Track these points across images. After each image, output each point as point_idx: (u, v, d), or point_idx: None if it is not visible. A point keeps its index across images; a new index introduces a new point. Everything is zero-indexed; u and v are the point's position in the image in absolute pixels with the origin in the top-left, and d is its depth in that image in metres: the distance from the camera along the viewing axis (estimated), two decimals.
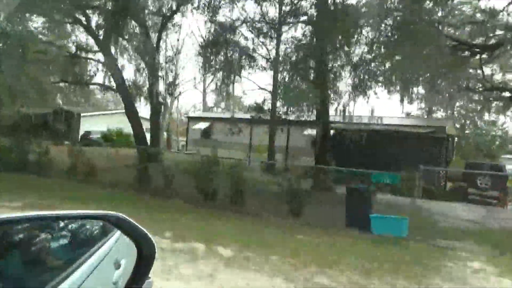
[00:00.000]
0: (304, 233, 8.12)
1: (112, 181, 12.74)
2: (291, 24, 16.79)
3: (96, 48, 19.04)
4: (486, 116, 32.89)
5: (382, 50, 12.48)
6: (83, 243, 1.61)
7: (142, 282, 1.52)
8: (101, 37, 17.76)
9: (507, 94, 16.95)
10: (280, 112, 17.35)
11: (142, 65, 18.45)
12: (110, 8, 16.52)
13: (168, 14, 18.71)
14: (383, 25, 11.96)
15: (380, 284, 5.23)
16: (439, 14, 12.13)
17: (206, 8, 16.26)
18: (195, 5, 16.53)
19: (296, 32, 16.57)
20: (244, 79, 19.70)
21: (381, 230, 8.54)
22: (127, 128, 28.77)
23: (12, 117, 22.55)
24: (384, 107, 53.95)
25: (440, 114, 34.97)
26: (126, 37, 17.69)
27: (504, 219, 11.77)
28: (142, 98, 19.38)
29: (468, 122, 37.45)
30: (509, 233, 9.67)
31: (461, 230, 9.41)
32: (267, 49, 17.59)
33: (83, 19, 17.75)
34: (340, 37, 12.67)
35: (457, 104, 30.78)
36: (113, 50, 17.79)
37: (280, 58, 15.34)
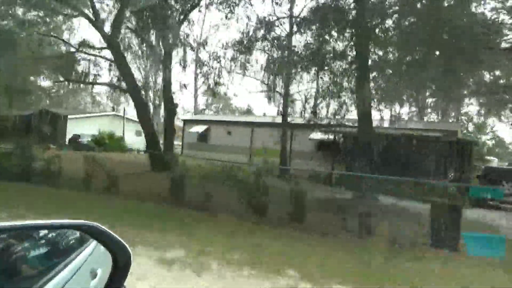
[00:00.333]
0: (403, 257, 6.99)
1: (136, 191, 11.15)
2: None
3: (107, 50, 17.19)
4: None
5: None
6: (60, 252, 1.59)
7: None
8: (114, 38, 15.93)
9: None
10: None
11: (157, 66, 16.80)
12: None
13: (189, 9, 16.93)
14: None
15: None
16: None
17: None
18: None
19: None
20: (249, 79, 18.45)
21: (477, 251, 7.57)
22: (117, 132, 26.81)
23: None
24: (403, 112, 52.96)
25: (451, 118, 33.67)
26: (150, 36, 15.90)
27: None
28: (156, 100, 17.75)
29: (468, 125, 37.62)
30: None
31: None
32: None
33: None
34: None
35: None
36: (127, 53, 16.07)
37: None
